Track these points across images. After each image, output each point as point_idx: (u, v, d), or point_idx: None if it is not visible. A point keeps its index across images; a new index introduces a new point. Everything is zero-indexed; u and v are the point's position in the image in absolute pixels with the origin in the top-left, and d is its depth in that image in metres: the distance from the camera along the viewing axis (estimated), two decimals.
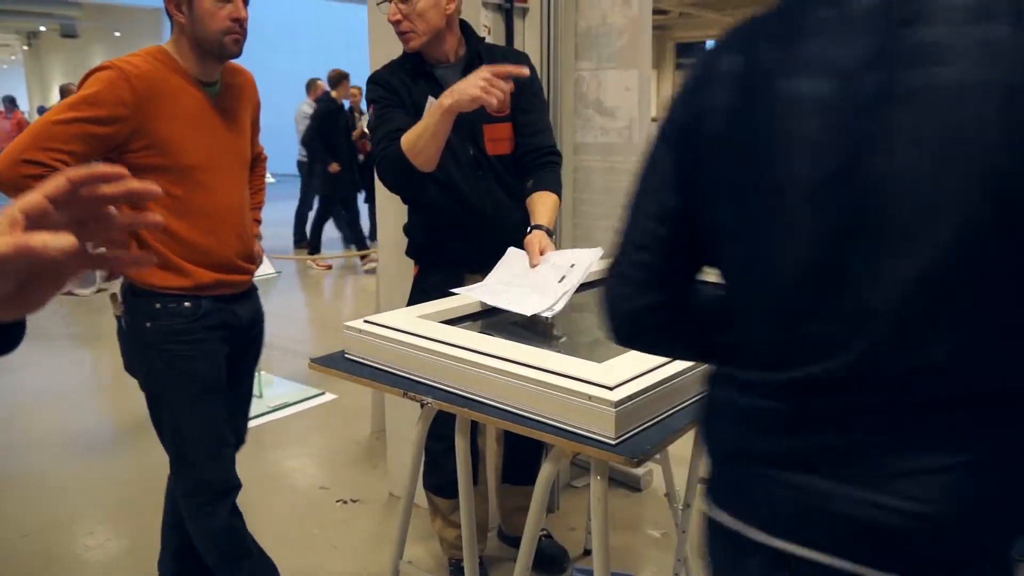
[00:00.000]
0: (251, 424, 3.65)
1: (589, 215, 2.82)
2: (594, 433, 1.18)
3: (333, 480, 3.12)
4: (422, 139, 1.81)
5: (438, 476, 2.22)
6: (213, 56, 1.78)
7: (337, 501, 2.94)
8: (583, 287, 1.99)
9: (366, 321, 1.50)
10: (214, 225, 1.83)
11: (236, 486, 1.97)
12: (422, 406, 1.37)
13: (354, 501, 2.94)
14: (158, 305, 1.79)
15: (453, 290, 1.79)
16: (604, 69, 2.73)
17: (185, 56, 1.77)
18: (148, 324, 1.80)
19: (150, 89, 1.69)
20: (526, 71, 1.81)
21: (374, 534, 2.71)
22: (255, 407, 3.87)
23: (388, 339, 1.43)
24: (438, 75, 1.98)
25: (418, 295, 1.93)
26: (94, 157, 1.66)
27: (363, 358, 1.50)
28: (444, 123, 1.77)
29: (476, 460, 2.27)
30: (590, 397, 1.18)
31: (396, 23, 1.95)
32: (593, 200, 2.78)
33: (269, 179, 4.23)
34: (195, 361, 1.84)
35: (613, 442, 1.17)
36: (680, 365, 1.30)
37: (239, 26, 1.74)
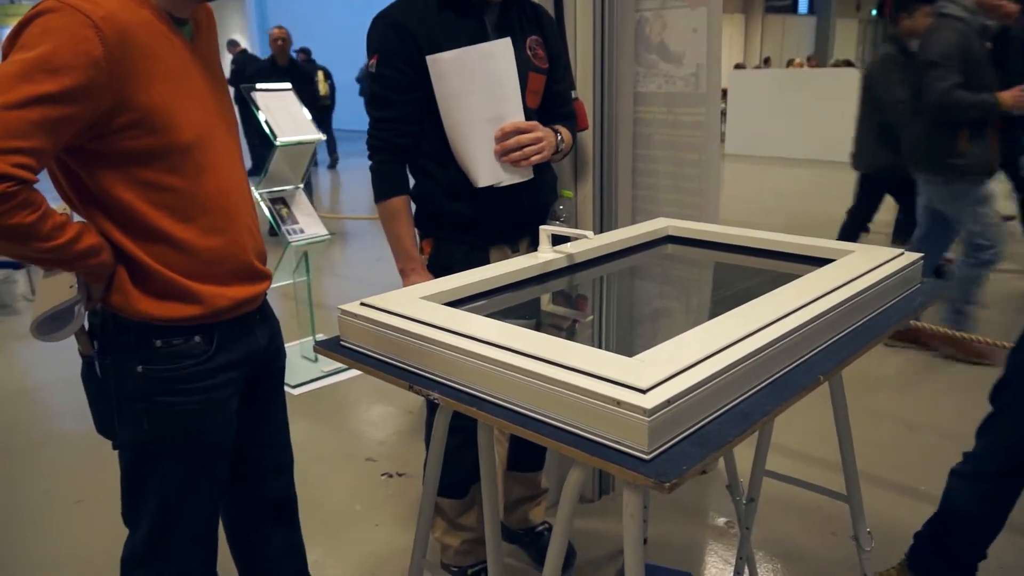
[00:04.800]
0: (305, 389, 3.63)
1: (650, 172, 2.55)
2: (623, 446, 0.97)
3: (380, 452, 3.01)
4: (387, 230, 1.85)
5: (447, 474, 1.99)
6: None
7: (382, 475, 2.82)
8: (623, 253, 1.78)
9: (363, 303, 1.31)
10: (222, 221, 1.35)
11: None
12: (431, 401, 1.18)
13: (400, 475, 2.82)
14: (158, 343, 1.32)
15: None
16: (669, 8, 2.43)
17: None
18: (139, 368, 1.32)
19: (125, 39, 1.18)
20: None
21: (416, 513, 2.58)
22: (310, 371, 3.81)
23: (387, 326, 1.23)
24: (478, 7, 1.77)
25: (438, 273, 1.70)
26: (58, 150, 1.18)
27: (360, 347, 1.31)
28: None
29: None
30: (619, 402, 0.96)
31: None
32: (655, 157, 2.51)
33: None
34: (204, 418, 1.38)
35: (647, 457, 0.95)
36: (729, 358, 1.06)
37: None
